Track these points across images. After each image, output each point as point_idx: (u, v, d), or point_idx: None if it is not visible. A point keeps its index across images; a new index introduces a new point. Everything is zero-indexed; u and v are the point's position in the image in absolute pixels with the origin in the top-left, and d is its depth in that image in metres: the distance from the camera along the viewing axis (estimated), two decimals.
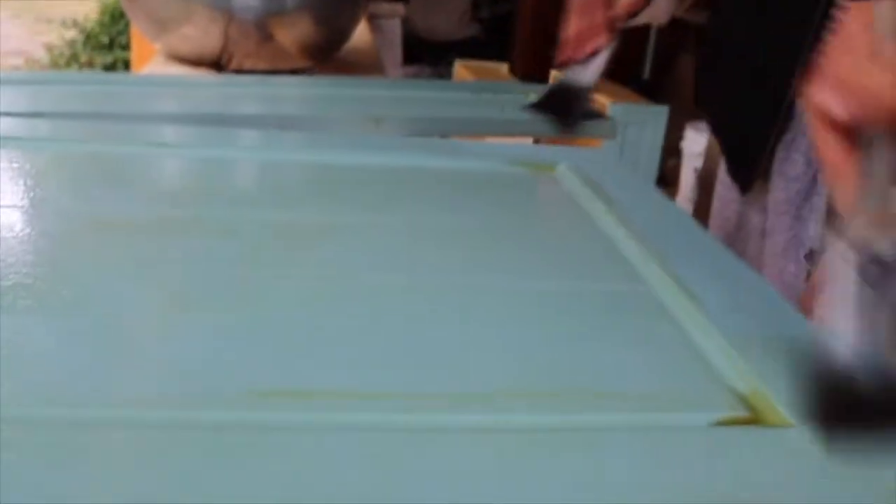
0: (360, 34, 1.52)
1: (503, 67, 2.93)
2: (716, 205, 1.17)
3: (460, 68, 3.37)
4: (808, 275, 1.01)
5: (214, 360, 0.44)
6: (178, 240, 0.59)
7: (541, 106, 1.04)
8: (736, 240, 1.13)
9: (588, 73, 0.99)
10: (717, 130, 1.12)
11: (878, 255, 0.41)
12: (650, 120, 1.30)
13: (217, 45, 1.21)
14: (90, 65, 3.95)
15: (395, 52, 2.81)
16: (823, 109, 0.42)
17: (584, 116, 1.02)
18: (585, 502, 0.35)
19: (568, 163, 0.80)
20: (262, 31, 1.21)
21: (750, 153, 1.02)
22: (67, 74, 1.33)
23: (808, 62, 0.91)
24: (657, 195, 0.78)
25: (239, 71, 1.25)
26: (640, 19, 1.04)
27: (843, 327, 0.42)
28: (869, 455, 0.40)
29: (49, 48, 4.24)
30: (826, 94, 0.42)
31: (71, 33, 4.20)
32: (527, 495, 0.35)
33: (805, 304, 0.95)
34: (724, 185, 1.13)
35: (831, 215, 0.46)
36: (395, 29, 2.83)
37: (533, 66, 2.23)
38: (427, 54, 5.29)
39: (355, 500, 0.34)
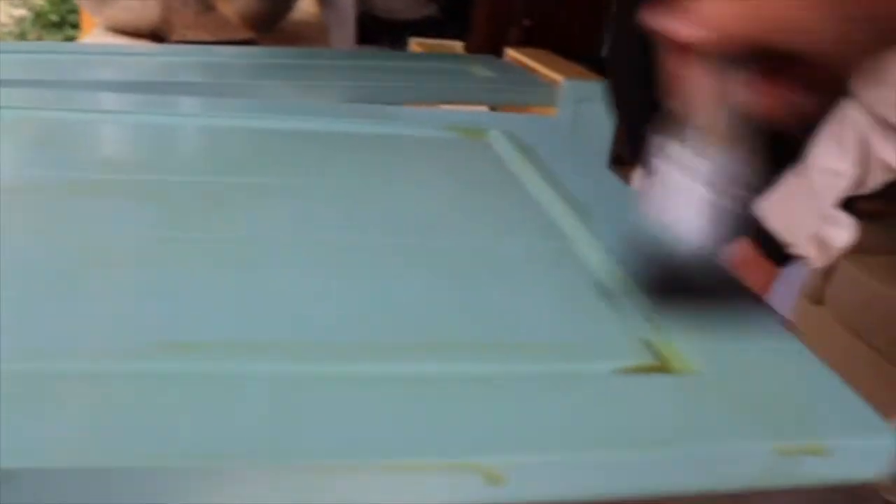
0: (307, 7, 1.51)
1: (458, 46, 2.93)
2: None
3: (415, 46, 3.37)
4: None
5: (121, 314, 0.44)
6: (106, 201, 0.59)
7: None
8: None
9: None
10: (618, 105, 1.10)
11: (713, 164, 0.46)
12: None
13: (156, 15, 1.20)
14: None
15: (347, 30, 2.78)
16: (671, 33, 0.44)
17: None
18: (479, 447, 0.36)
19: (501, 128, 0.80)
20: (203, 1, 1.20)
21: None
22: (6, 44, 1.31)
23: None
24: (590, 160, 0.78)
25: (180, 42, 1.24)
26: None
27: (677, 225, 0.48)
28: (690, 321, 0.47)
29: None
30: (673, 20, 0.44)
31: (20, 11, 4.11)
32: (419, 441, 0.35)
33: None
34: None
35: (673, 126, 0.48)
36: (348, 6, 2.81)
37: (488, 45, 2.23)
38: (384, 34, 5.27)
39: (247, 443, 0.34)
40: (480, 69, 1.11)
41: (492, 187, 0.69)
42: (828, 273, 2.21)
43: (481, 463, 0.35)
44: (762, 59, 0.44)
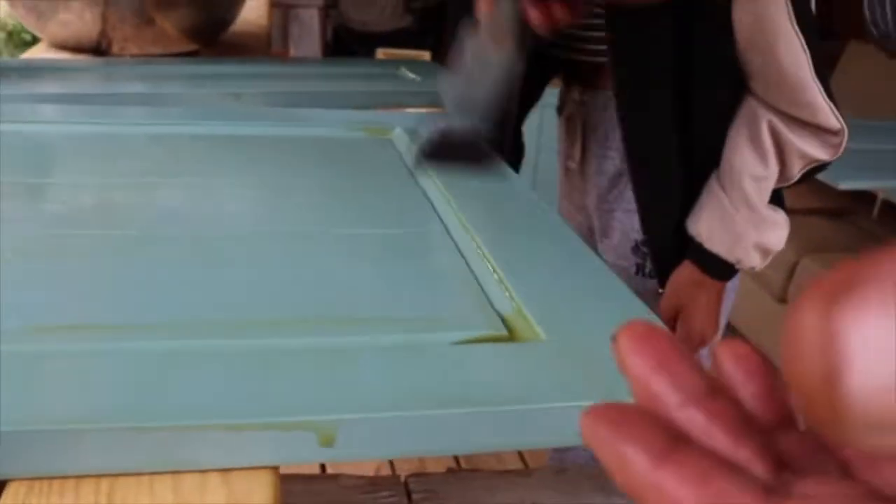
0: (250, 17, 1.54)
1: (424, 55, 2.97)
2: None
3: (382, 56, 3.40)
4: (638, 268, 0.99)
5: (7, 301, 0.47)
6: (18, 203, 0.62)
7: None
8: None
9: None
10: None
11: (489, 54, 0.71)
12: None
13: (95, 30, 1.23)
14: None
15: (312, 41, 2.81)
16: None
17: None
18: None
19: (404, 126, 0.83)
20: (141, 15, 1.23)
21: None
22: None
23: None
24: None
25: (121, 56, 1.27)
26: None
27: (454, 93, 0.74)
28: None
29: None
30: None
31: None
32: (259, 405, 0.39)
33: (665, 314, 0.95)
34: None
35: (474, 23, 0.71)
36: (312, 18, 2.83)
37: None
38: (359, 45, 5.30)
39: (105, 410, 0.37)
40: (408, 73, 1.14)
41: (388, 181, 0.73)
42: (790, 271, 2.24)
43: (314, 421, 0.38)
44: None
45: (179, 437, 0.37)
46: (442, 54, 0.88)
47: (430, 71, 1.16)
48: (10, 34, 4.15)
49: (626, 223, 0.97)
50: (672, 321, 0.95)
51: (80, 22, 1.22)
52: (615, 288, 0.54)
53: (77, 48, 1.27)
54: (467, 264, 0.56)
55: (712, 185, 0.91)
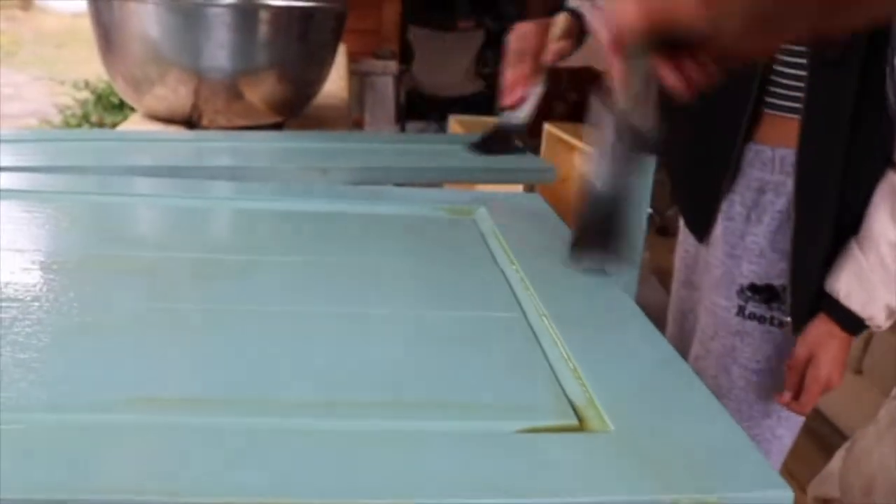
0: (332, 91, 1.60)
1: (496, 120, 3.00)
2: (679, 238, 1.24)
3: (454, 123, 3.46)
4: (739, 310, 1.06)
5: (97, 372, 0.50)
6: (115, 276, 0.66)
7: (478, 146, 1.13)
8: (694, 272, 1.19)
9: (519, 115, 1.10)
10: (674, 185, 1.19)
11: (632, 124, 0.68)
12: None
13: (188, 103, 1.29)
14: (101, 124, 4.08)
15: (387, 108, 2.90)
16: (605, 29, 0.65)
17: (510, 152, 1.14)
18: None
19: (486, 206, 0.86)
20: (231, 90, 1.29)
21: (704, 205, 1.10)
22: (53, 132, 1.43)
23: (751, 115, 1.00)
24: (565, 234, 0.83)
25: (210, 127, 1.33)
26: (576, 61, 1.12)
27: (600, 171, 0.71)
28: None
29: (61, 109, 4.38)
30: (600, 18, 0.62)
31: (83, 94, 4.34)
32: (349, 486, 0.41)
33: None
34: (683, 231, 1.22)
35: (607, 94, 0.69)
36: (387, 86, 2.93)
37: (532, 119, 2.31)
38: (432, 110, 5.42)
39: (198, 483, 0.40)
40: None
41: (467, 262, 0.75)
42: (866, 343, 2.21)
43: None
44: (664, 45, 0.63)
45: None
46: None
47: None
48: (100, 97, 4.37)
49: (733, 267, 1.07)
50: (803, 365, 1.02)
51: (174, 96, 1.28)
52: (690, 381, 0.55)
53: (170, 119, 1.34)
54: (543, 351, 0.58)
55: (851, 247, 0.99)
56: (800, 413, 1.06)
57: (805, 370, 1.02)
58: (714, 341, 1.10)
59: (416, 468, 0.43)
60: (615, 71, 0.67)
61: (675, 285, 1.27)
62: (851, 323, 1.00)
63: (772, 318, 1.06)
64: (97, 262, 0.69)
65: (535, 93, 1.08)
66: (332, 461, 0.43)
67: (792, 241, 1.01)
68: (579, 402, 0.51)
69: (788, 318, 1.03)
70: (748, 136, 1.04)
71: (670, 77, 0.66)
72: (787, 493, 0.45)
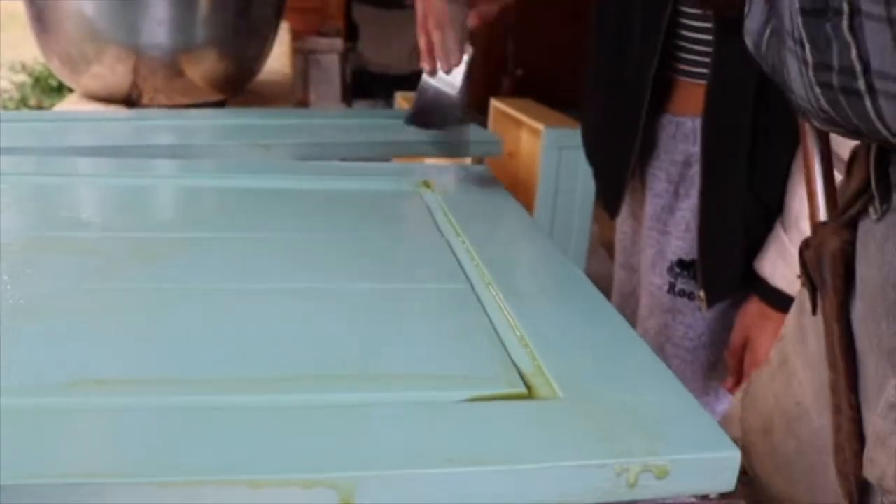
0: (276, 67, 1.58)
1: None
2: (617, 220, 1.23)
3: (401, 100, 3.44)
4: (671, 286, 1.05)
5: (34, 357, 0.49)
6: (50, 257, 0.65)
7: (411, 119, 1.10)
8: (632, 254, 1.19)
9: (453, 82, 1.05)
10: (588, 156, 1.18)
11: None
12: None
13: (126, 82, 1.26)
14: (39, 107, 3.98)
15: (333, 86, 2.87)
16: None
17: (454, 124, 1.09)
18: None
19: (432, 180, 0.85)
20: (170, 67, 1.26)
21: (613, 177, 1.08)
22: None
23: (660, 82, 0.98)
24: (513, 206, 0.83)
25: (150, 106, 1.30)
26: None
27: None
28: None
29: None
30: None
31: (20, 77, 4.23)
32: (280, 461, 0.40)
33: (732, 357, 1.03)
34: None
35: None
36: (332, 63, 2.89)
37: (478, 96, 2.29)
38: (379, 88, 5.37)
39: (130, 463, 0.39)
40: None
41: (413, 235, 0.75)
42: None
43: (335, 478, 0.39)
44: None
45: (200, 493, 0.38)
46: None
47: None
48: (38, 80, 4.26)
49: (664, 243, 1.05)
50: (741, 350, 1.02)
51: (112, 74, 1.25)
52: (637, 347, 0.55)
53: (108, 99, 1.31)
54: (490, 321, 0.57)
55: (777, 228, 0.98)
56: None
57: (743, 354, 1.02)
58: (650, 320, 1.09)
59: (358, 440, 0.42)
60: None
61: (616, 268, 1.25)
62: (781, 301, 0.98)
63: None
64: (35, 243, 0.67)
65: (465, 59, 1.05)
66: (275, 437, 0.42)
67: (699, 213, 0.99)
68: (527, 369, 0.51)
69: (702, 293, 1.02)
70: (662, 107, 1.02)
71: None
72: (735, 454, 0.45)
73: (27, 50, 4.36)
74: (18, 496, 0.37)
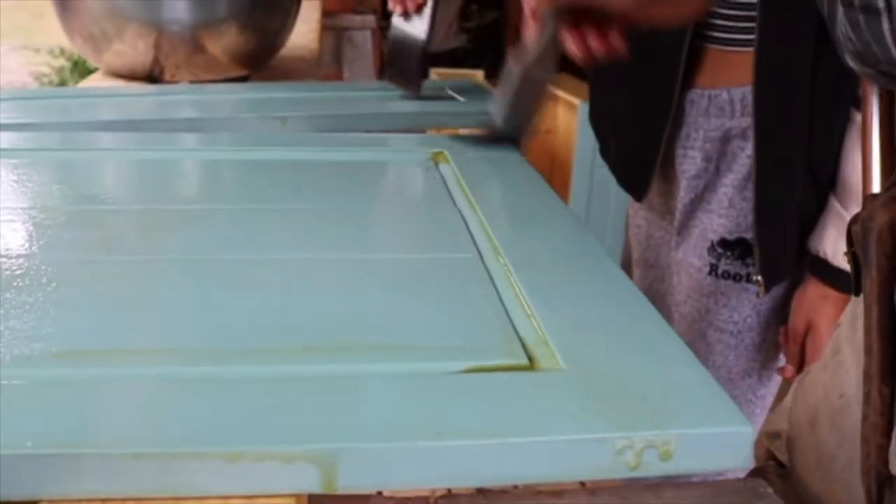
0: (301, 42, 1.56)
1: (478, 74, 2.96)
2: (629, 213, 1.18)
3: (434, 76, 3.42)
4: (712, 268, 0.99)
5: (45, 327, 0.48)
6: (62, 229, 0.64)
7: (388, 72, 1.06)
8: (647, 248, 1.13)
9: (419, 26, 1.00)
10: (607, 142, 1.12)
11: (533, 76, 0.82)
12: None
13: (148, 58, 1.25)
14: None
15: (367, 64, 2.84)
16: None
17: (424, 76, 1.06)
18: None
19: (449, 151, 0.83)
20: (192, 42, 1.25)
21: (642, 159, 1.02)
22: (12, 92, 1.41)
23: (690, 54, 0.93)
24: (530, 175, 0.81)
25: (173, 82, 1.29)
26: None
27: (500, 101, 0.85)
28: None
29: (38, 76, 4.32)
30: None
31: (59, 61, 4.27)
32: (262, 433, 0.38)
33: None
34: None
35: (517, 47, 0.81)
36: (365, 40, 2.86)
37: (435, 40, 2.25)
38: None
39: (109, 434, 0.37)
40: (454, 93, 1.14)
41: (426, 205, 0.73)
42: None
43: (314, 451, 0.37)
44: (568, 13, 0.74)
45: (175, 465, 0.37)
46: (496, 73, 0.90)
47: (475, 91, 1.16)
48: (76, 63, 4.30)
49: (706, 223, 0.98)
50: (802, 336, 0.96)
51: (134, 51, 1.24)
52: (650, 319, 0.53)
53: (131, 76, 1.30)
54: (496, 292, 0.55)
55: (832, 204, 0.92)
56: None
57: (804, 340, 0.96)
58: (685, 305, 1.02)
59: (346, 413, 0.40)
60: (528, 32, 0.79)
61: (633, 266, 1.17)
62: (844, 282, 0.90)
63: (747, 275, 0.97)
64: (49, 216, 0.66)
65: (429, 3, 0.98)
66: (258, 409, 0.40)
67: (755, 191, 0.92)
68: (530, 340, 0.49)
69: (759, 277, 0.95)
70: (690, 82, 0.95)
71: (571, 43, 0.75)
72: (747, 429, 0.43)
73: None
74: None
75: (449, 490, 0.45)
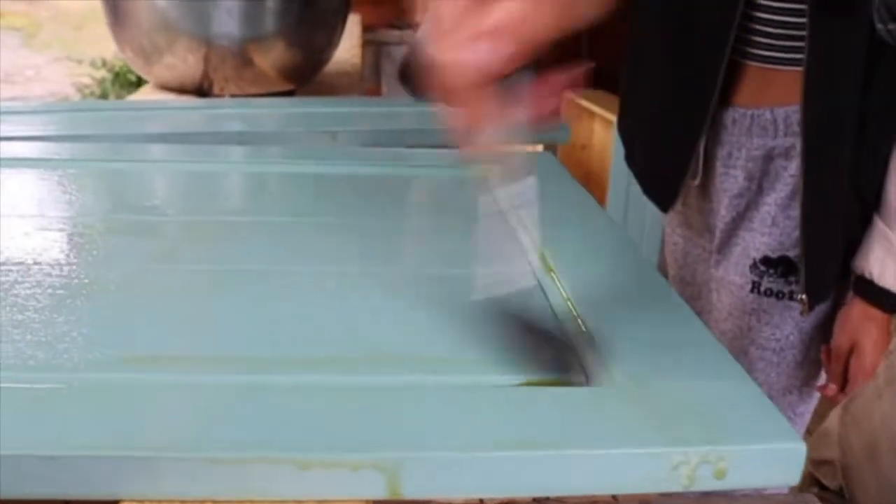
0: (344, 58, 1.58)
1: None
2: (665, 230, 1.18)
3: None
4: (754, 286, 0.99)
5: (93, 332, 0.50)
6: (120, 238, 0.66)
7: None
8: (683, 266, 1.13)
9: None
10: (633, 149, 1.11)
11: None
12: None
13: (198, 72, 1.28)
14: None
15: None
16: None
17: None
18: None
19: (497, 165, 0.84)
20: (240, 56, 1.28)
21: (670, 175, 1.01)
22: (64, 104, 1.45)
23: (730, 79, 0.93)
24: (578, 192, 0.82)
25: (221, 96, 1.32)
26: None
27: None
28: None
29: (79, 87, 4.39)
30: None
31: (101, 72, 4.34)
32: (330, 441, 0.40)
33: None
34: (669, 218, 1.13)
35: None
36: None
37: None
38: None
39: (178, 439, 0.39)
40: None
41: (476, 221, 0.74)
42: None
43: (380, 460, 0.39)
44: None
45: (248, 470, 0.38)
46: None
47: None
48: (117, 75, 4.37)
49: (748, 241, 0.97)
50: (846, 356, 0.96)
51: (184, 65, 1.27)
52: (701, 335, 0.53)
53: (181, 89, 1.33)
54: (550, 307, 0.56)
55: (877, 224, 0.92)
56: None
57: (848, 360, 0.96)
58: (726, 323, 1.02)
59: (407, 423, 0.42)
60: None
61: (670, 283, 1.17)
62: (890, 302, 0.93)
63: (790, 292, 0.97)
64: (102, 225, 0.69)
65: None
66: (326, 418, 0.42)
67: (802, 211, 0.91)
68: (585, 356, 0.50)
69: (804, 296, 0.94)
70: (730, 99, 0.94)
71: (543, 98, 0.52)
72: (800, 447, 0.43)
73: (108, 46, 4.47)
74: (53, 467, 0.38)
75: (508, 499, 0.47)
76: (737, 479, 0.42)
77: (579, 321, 0.54)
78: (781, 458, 0.43)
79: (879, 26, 0.51)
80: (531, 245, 0.66)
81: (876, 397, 0.65)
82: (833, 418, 0.73)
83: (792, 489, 0.57)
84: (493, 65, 0.47)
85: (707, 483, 0.42)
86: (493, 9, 0.46)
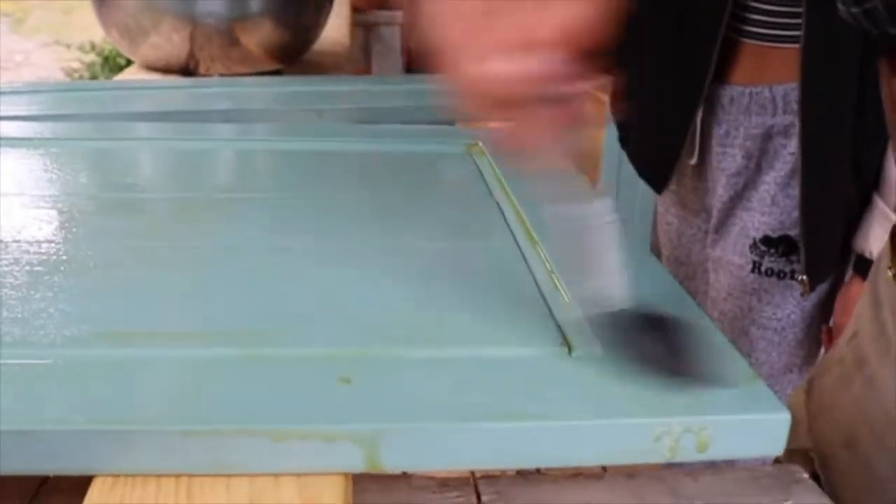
0: (333, 37, 1.57)
1: None
2: (659, 210, 1.18)
3: None
4: (754, 266, 0.98)
5: (69, 308, 0.49)
6: (104, 216, 0.66)
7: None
8: (678, 246, 1.12)
9: None
10: (627, 131, 1.11)
11: None
12: None
13: (183, 51, 1.27)
14: None
15: (394, 58, 2.85)
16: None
17: None
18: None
19: (484, 142, 0.84)
20: (226, 35, 1.26)
21: (664, 154, 1.01)
22: (51, 83, 1.44)
23: (726, 58, 0.92)
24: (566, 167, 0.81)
25: (207, 75, 1.30)
26: None
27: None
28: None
29: (69, 72, 4.36)
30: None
31: (90, 56, 4.31)
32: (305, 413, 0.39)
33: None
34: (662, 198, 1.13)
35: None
36: (393, 36, 2.87)
37: None
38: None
39: (154, 412, 0.38)
40: None
41: (461, 196, 0.73)
42: None
43: (356, 431, 0.38)
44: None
45: (222, 443, 0.38)
46: None
47: None
48: (106, 59, 4.34)
49: (747, 220, 0.97)
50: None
51: (170, 44, 1.26)
52: (686, 306, 0.53)
53: (167, 69, 1.32)
54: (534, 280, 0.56)
55: (876, 203, 0.91)
56: None
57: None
58: (726, 303, 1.02)
59: (386, 395, 0.41)
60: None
61: (663, 263, 1.14)
62: None
63: (792, 272, 0.96)
64: (85, 203, 0.68)
65: None
66: (302, 390, 0.41)
67: (801, 190, 0.91)
68: (568, 327, 0.49)
69: (804, 277, 0.94)
70: (723, 76, 0.93)
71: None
72: (785, 416, 0.43)
73: (97, 30, 4.43)
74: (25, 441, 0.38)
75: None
76: (720, 450, 0.42)
77: (563, 292, 0.53)
78: (765, 427, 0.43)
79: (842, 8, 0.50)
80: (514, 216, 0.66)
81: (844, 383, 0.64)
82: (796, 402, 0.71)
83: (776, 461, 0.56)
84: (551, 76, 0.41)
85: (690, 454, 0.42)
86: (547, 11, 0.40)
